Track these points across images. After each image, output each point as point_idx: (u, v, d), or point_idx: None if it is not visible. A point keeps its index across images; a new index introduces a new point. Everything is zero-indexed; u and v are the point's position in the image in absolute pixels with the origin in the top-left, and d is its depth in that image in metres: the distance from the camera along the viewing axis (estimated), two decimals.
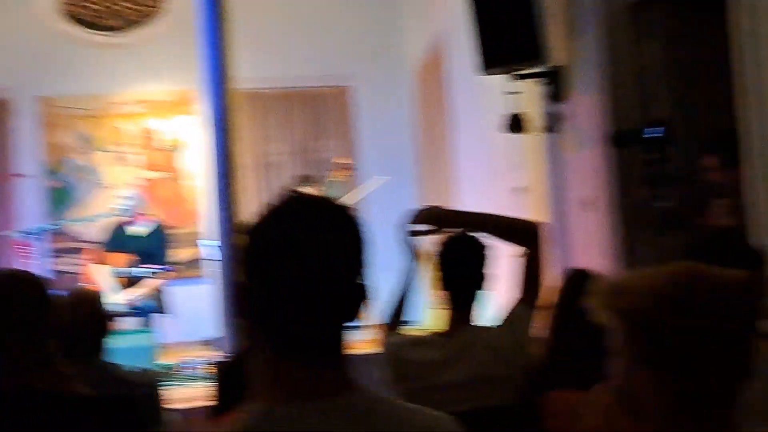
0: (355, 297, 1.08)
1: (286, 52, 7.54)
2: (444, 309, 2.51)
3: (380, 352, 2.52)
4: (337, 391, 1.06)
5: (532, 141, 4.56)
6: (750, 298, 1.16)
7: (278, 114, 7.82)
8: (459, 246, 2.52)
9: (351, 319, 1.08)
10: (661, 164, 3.22)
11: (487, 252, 2.51)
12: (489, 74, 4.35)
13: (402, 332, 2.58)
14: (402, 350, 2.48)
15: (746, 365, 1.15)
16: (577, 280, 2.24)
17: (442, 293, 2.50)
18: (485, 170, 5.69)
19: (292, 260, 1.05)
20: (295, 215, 1.08)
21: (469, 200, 5.94)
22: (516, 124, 4.44)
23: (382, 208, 5.98)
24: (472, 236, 2.53)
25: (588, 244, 3.92)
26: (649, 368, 1.14)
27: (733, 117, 2.78)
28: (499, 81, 4.44)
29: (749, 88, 2.71)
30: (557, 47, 4.28)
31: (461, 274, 2.48)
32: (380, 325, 2.58)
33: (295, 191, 1.26)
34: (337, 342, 1.09)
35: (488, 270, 2.50)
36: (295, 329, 1.06)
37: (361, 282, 1.09)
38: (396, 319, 2.59)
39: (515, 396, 2.32)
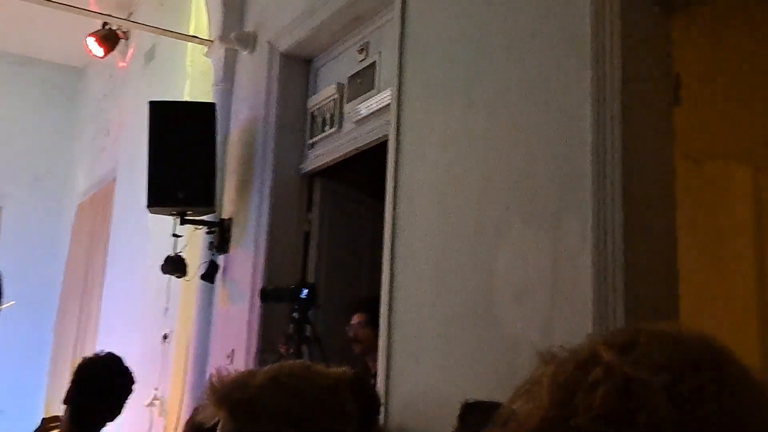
0: None
1: None
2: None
3: None
4: None
5: (188, 287, 4.55)
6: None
7: None
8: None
9: None
10: (302, 323, 3.37)
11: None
12: (155, 212, 4.34)
13: None
14: None
15: None
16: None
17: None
18: (139, 311, 5.52)
19: None
20: None
21: (113, 340, 5.67)
22: (175, 267, 4.43)
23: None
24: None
25: None
26: None
27: (377, 284, 3.05)
28: (167, 224, 4.43)
29: (396, 262, 2.99)
30: (228, 200, 4.41)
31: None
32: None
33: None
34: None
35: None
36: None
37: None
38: None
39: None
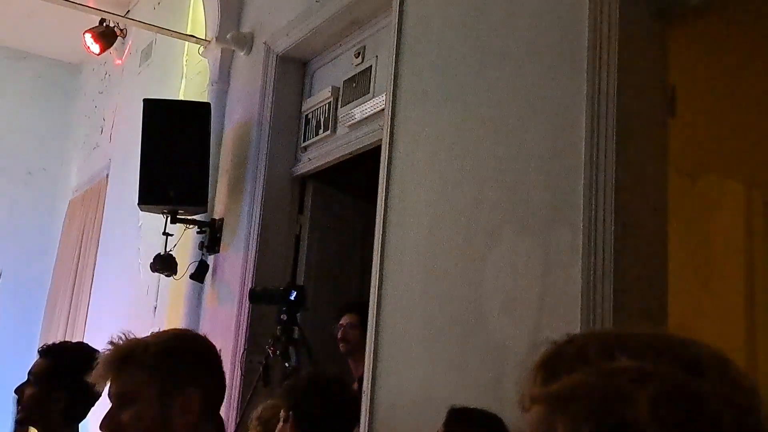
0: None
1: None
2: None
3: None
4: None
5: (177, 286, 4.53)
6: None
7: None
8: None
9: None
10: (290, 325, 3.36)
11: None
12: (146, 210, 4.33)
13: None
14: None
15: None
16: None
17: None
18: (128, 308, 5.50)
19: None
20: None
21: (101, 336, 5.64)
22: (165, 266, 4.41)
23: None
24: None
25: None
26: None
27: (367, 288, 3.05)
28: (158, 222, 4.42)
29: (386, 267, 2.98)
30: (220, 200, 4.40)
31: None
32: None
33: None
34: None
35: None
36: None
37: None
38: None
39: None
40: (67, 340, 3.86)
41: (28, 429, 2.43)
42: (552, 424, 0.67)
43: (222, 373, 1.59)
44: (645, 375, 0.66)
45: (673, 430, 0.64)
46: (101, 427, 1.49)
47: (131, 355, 1.50)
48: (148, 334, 1.59)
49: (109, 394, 1.52)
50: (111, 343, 1.53)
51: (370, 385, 2.88)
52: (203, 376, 1.54)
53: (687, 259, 2.60)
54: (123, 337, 1.53)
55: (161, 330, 1.76)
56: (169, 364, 1.50)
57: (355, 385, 3.08)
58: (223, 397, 1.62)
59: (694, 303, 2.74)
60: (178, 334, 1.69)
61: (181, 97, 5.10)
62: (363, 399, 2.88)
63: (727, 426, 0.65)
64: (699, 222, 2.88)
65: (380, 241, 3.00)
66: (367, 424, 2.84)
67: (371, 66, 3.67)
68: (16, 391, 2.40)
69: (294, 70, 4.22)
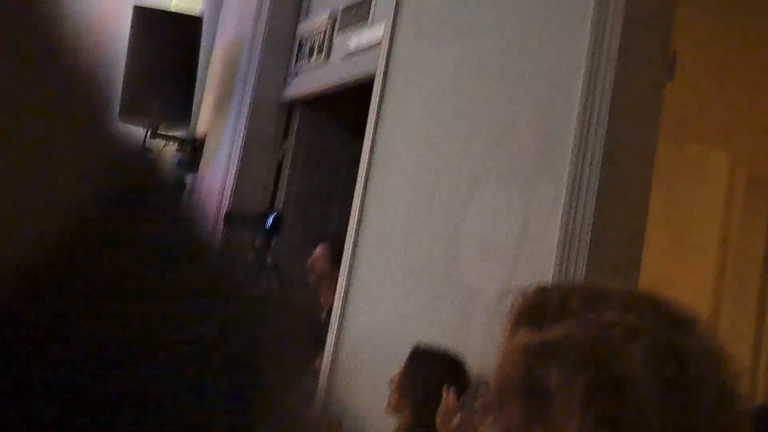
0: None
1: None
2: None
3: None
4: None
5: None
6: None
7: None
8: None
9: None
10: (264, 251, 3.36)
11: None
12: (126, 121, 4.26)
13: None
14: None
15: None
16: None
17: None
18: None
19: None
20: None
21: None
22: None
23: None
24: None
25: None
26: None
27: (346, 222, 3.05)
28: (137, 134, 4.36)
29: (367, 202, 2.98)
30: (203, 118, 4.34)
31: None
32: None
33: None
34: None
35: None
36: None
37: None
38: None
39: None
40: None
41: None
42: (545, 372, 0.68)
43: None
44: (636, 329, 0.67)
45: (664, 384, 0.67)
46: None
47: None
48: None
49: None
50: None
51: (339, 316, 2.90)
52: None
53: (665, 225, 2.62)
54: None
55: None
56: None
57: (324, 315, 3.10)
58: None
59: (667, 268, 2.77)
60: None
61: (173, 8, 4.98)
62: (330, 329, 2.90)
63: (710, 380, 0.69)
64: (682, 189, 2.90)
65: (364, 177, 2.99)
66: (332, 354, 2.86)
67: None
68: None
69: None
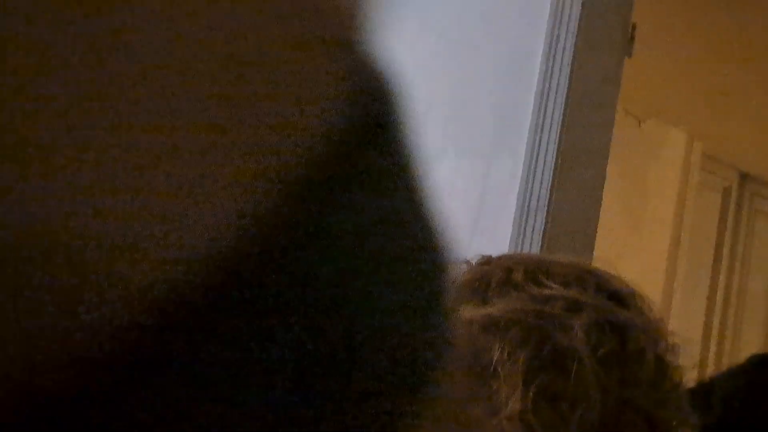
0: None
1: None
2: None
3: None
4: None
5: None
6: None
7: None
8: None
9: None
10: None
11: None
12: None
13: None
14: None
15: None
16: None
17: None
18: None
19: None
20: None
21: None
22: None
23: None
24: None
25: None
26: None
27: None
28: None
29: None
30: None
31: None
32: None
33: None
34: None
35: None
36: None
37: None
38: None
39: None
40: None
41: None
42: (489, 346, 0.67)
43: None
44: (578, 304, 0.68)
45: (604, 358, 0.67)
46: None
47: None
48: None
49: None
50: None
51: None
52: None
53: (620, 200, 2.63)
54: None
55: None
56: None
57: None
58: None
59: (621, 244, 2.79)
60: None
61: None
62: None
63: (649, 357, 0.70)
64: (639, 165, 2.91)
65: None
66: None
67: None
68: None
69: None
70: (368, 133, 0.19)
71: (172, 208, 0.16)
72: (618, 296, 0.72)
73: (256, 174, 0.17)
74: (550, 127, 2.25)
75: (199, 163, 0.16)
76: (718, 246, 4.33)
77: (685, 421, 0.69)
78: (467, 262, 0.75)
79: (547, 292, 0.68)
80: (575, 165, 2.29)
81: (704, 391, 1.73)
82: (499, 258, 0.75)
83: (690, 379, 0.72)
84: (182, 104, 0.16)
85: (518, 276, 0.71)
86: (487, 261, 0.75)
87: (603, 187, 2.41)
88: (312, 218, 0.17)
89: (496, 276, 0.72)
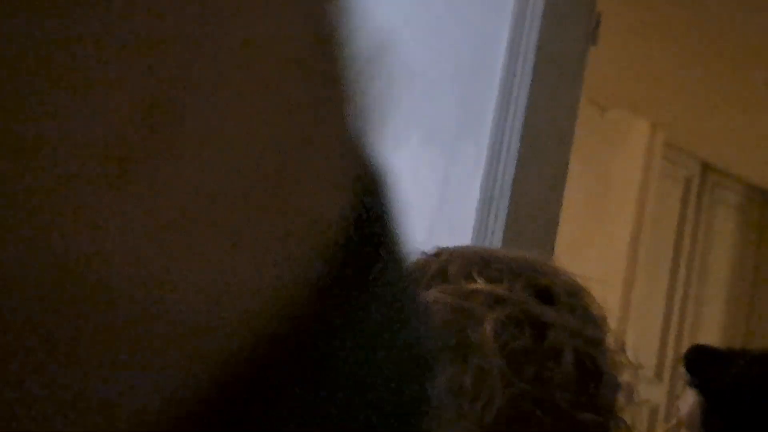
0: None
1: None
2: None
3: None
4: None
5: None
6: None
7: None
8: None
9: None
10: None
11: None
12: None
13: None
14: None
15: None
16: None
17: None
18: None
19: None
20: None
21: None
22: None
23: None
24: None
25: None
26: None
27: None
28: None
29: None
30: None
31: None
32: None
33: None
34: None
35: None
36: None
37: None
38: None
39: None
40: None
41: None
42: None
43: None
44: (497, 299, 0.67)
45: (512, 354, 0.66)
46: None
47: None
48: None
49: None
50: None
51: None
52: None
53: (583, 188, 2.64)
54: None
55: None
56: None
57: None
58: None
59: (583, 231, 2.81)
60: None
61: None
62: None
63: (567, 356, 0.68)
64: (602, 154, 2.93)
65: None
66: None
67: None
68: None
69: None
70: (372, 225, 0.20)
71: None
72: (548, 292, 0.71)
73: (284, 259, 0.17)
74: (514, 114, 2.25)
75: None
76: (679, 235, 4.38)
77: (616, 425, 0.68)
78: (423, 253, 0.75)
79: (472, 286, 0.68)
80: (539, 153, 2.29)
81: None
82: (448, 250, 0.75)
83: (640, 379, 0.71)
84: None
85: (453, 269, 0.71)
86: (438, 253, 0.75)
87: (566, 175, 2.42)
88: (339, 311, 0.18)
89: (432, 268, 0.72)
